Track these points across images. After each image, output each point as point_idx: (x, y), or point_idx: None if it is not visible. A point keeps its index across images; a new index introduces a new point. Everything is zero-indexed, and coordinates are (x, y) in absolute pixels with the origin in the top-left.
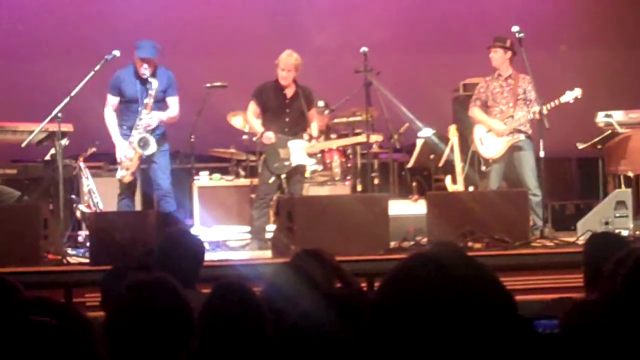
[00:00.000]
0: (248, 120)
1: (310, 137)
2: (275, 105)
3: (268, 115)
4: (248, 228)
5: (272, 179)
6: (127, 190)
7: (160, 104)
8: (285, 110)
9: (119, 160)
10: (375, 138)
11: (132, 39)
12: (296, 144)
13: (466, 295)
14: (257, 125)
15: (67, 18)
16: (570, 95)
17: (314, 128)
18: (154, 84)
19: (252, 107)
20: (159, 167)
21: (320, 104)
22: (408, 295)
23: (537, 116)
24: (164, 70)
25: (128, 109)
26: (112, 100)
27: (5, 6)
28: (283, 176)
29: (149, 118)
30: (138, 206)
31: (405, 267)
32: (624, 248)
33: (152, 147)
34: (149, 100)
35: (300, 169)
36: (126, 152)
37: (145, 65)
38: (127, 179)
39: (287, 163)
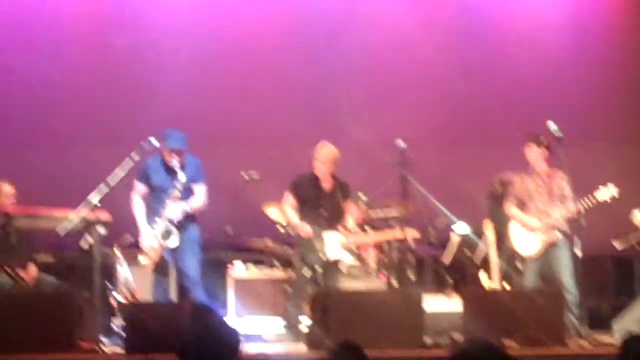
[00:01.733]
0: (284, 211)
1: (346, 231)
2: (312, 198)
3: (305, 208)
4: (282, 321)
5: (308, 272)
6: (159, 276)
7: (187, 191)
8: (321, 203)
9: (141, 246)
10: (411, 233)
11: (168, 126)
12: (332, 237)
13: None
14: (293, 217)
15: (101, 106)
16: (607, 194)
17: (350, 221)
18: (182, 178)
19: (289, 199)
20: (187, 255)
21: (360, 194)
22: None
23: (575, 215)
24: (191, 159)
25: (157, 198)
26: (140, 187)
27: (42, 93)
28: (319, 269)
29: (174, 209)
30: (172, 294)
31: None
32: None
33: (175, 240)
34: (175, 192)
35: (336, 263)
36: (151, 240)
37: (175, 156)
38: (150, 267)
39: (322, 256)
